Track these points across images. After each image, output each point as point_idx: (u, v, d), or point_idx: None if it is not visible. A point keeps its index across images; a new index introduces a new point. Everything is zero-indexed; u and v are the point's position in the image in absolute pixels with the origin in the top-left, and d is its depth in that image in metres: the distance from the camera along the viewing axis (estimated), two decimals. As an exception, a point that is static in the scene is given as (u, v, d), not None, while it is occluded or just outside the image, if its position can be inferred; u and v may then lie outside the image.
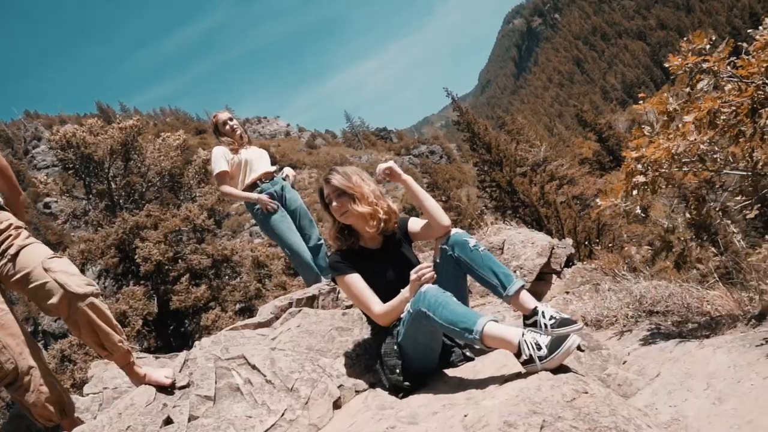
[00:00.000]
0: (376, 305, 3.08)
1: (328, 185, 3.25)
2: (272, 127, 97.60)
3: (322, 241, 5.64)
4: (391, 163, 3.25)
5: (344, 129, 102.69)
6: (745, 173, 3.06)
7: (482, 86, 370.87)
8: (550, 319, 2.85)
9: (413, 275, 2.84)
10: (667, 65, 3.11)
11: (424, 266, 2.85)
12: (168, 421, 2.89)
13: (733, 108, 2.84)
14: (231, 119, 5.67)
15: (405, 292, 2.92)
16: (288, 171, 5.80)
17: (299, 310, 4.05)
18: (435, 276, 2.83)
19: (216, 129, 5.67)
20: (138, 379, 3.18)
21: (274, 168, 5.65)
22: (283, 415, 2.89)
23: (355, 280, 3.14)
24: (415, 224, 3.37)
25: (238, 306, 12.81)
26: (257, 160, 5.53)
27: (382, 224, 3.26)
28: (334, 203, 3.21)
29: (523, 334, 2.51)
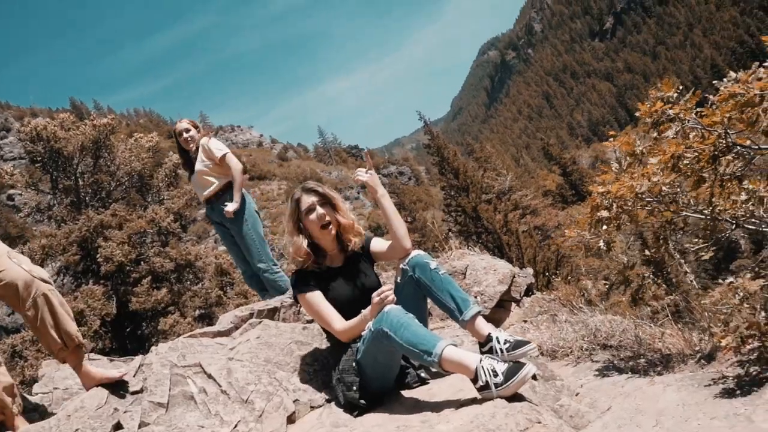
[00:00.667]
0: (338, 322, 3.05)
1: (312, 194, 3.21)
2: (245, 137, 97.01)
3: (261, 269, 5.32)
4: (373, 176, 3.24)
5: (316, 143, 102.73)
6: (703, 217, 3.12)
7: (454, 113, 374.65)
8: (504, 343, 2.84)
9: (375, 298, 2.82)
10: (637, 114, 3.16)
11: (386, 289, 2.83)
12: (118, 426, 2.80)
13: (696, 154, 2.90)
14: (187, 130, 5.41)
15: (366, 312, 2.90)
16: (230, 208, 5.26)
17: (260, 322, 3.98)
18: (395, 299, 2.82)
19: (176, 139, 5.49)
20: (89, 380, 3.07)
21: (214, 184, 5.28)
22: (236, 427, 2.83)
23: (316, 297, 3.11)
24: (377, 244, 3.35)
25: (197, 312, 12.60)
26: (196, 181, 5.35)
27: (354, 240, 3.24)
28: (319, 211, 3.16)
29: (480, 360, 2.52)
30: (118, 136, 14.40)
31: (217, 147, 5.30)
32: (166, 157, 15.38)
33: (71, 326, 2.95)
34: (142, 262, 12.44)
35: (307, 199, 3.20)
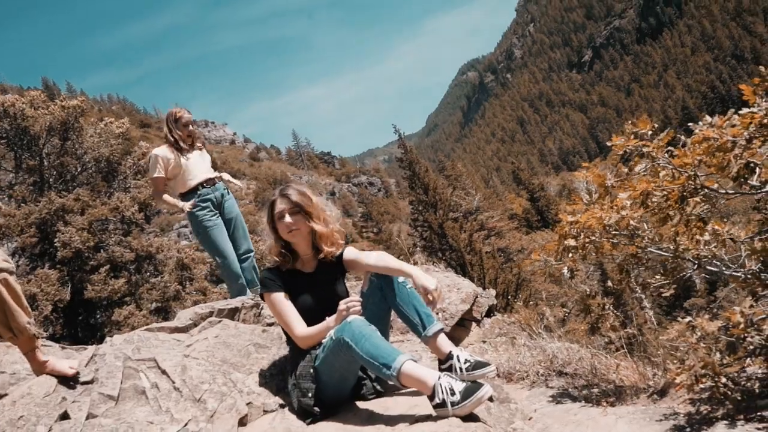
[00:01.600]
0: (299, 327, 3.02)
1: (285, 200, 3.18)
2: (218, 133, 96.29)
3: (251, 254, 5.55)
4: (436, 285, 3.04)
5: (289, 147, 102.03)
6: (667, 254, 3.18)
7: (429, 129, 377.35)
8: (465, 363, 2.85)
9: (342, 305, 2.81)
10: (609, 143, 3.21)
11: (354, 299, 2.84)
12: (65, 416, 2.73)
13: (665, 193, 2.96)
14: (194, 123, 5.52)
15: (330, 321, 2.89)
16: (226, 176, 5.67)
17: (219, 321, 3.93)
18: (362, 311, 2.81)
19: (173, 123, 5.39)
20: (39, 368, 2.99)
21: (215, 174, 5.51)
22: (186, 425, 2.77)
23: (282, 299, 3.09)
24: (352, 255, 3.33)
25: (154, 305, 12.36)
26: (200, 165, 5.39)
27: (326, 250, 3.23)
28: (287, 219, 3.14)
29: (439, 378, 2.52)
30: (88, 120, 14.07)
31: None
32: (135, 145, 15.11)
33: (22, 318, 2.83)
34: (101, 250, 12.17)
35: (279, 205, 3.19)
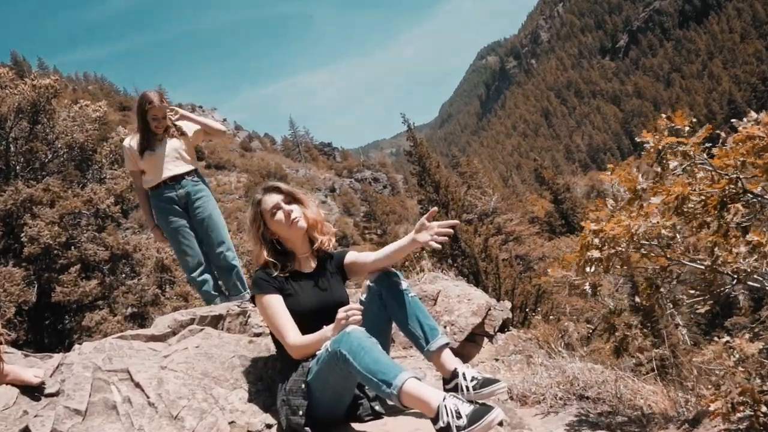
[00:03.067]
0: (293, 334, 3.05)
1: (275, 192, 3.27)
2: (206, 121, 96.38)
3: (231, 257, 5.46)
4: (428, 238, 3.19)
5: (285, 136, 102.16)
6: (702, 267, 3.18)
7: (442, 120, 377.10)
8: (471, 381, 2.87)
9: (341, 313, 2.83)
10: (639, 140, 3.22)
11: (354, 307, 2.85)
12: (25, 431, 2.75)
13: (703, 198, 2.96)
14: (163, 108, 5.32)
15: (327, 330, 2.90)
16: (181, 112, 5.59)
17: (201, 329, 3.95)
18: (362, 320, 2.83)
19: (143, 111, 5.27)
20: (0, 377, 3.02)
21: (187, 168, 5.40)
22: (161, 445, 2.80)
23: (276, 302, 3.12)
24: (352, 257, 3.39)
25: (129, 310, 12.41)
26: (166, 159, 5.32)
27: (322, 239, 3.30)
28: (286, 208, 3.20)
29: (444, 399, 2.51)
30: (62, 101, 14.11)
31: (192, 126, 5.60)
32: (113, 131, 15.13)
33: None
34: (72, 247, 12.21)
35: (270, 200, 3.23)
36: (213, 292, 5.35)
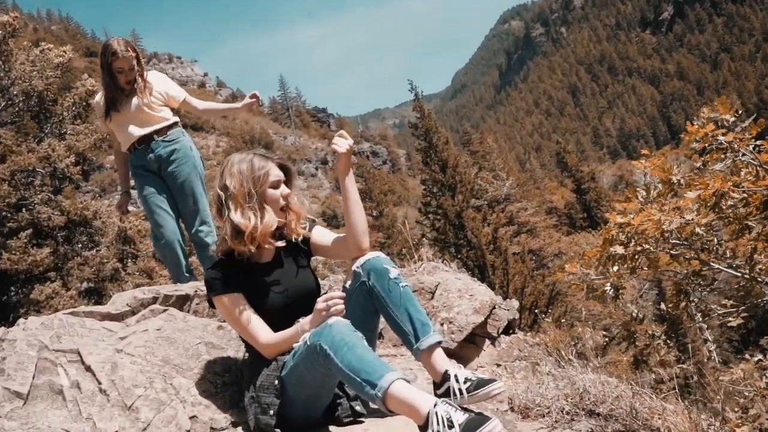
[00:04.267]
0: (264, 334, 3.01)
1: (283, 169, 3.24)
2: (185, 72, 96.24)
3: (209, 231, 5.41)
4: (351, 142, 3.21)
5: (274, 97, 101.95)
6: (739, 274, 3.18)
7: (455, 90, 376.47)
8: (465, 382, 2.85)
9: (320, 304, 2.81)
10: (684, 136, 3.21)
11: (335, 295, 2.83)
12: (-43, 413, 2.76)
13: (745, 195, 2.95)
14: (130, 58, 5.11)
15: (305, 323, 2.88)
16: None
17: (164, 310, 3.95)
18: (344, 310, 2.83)
19: (106, 62, 5.11)
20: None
21: (154, 127, 5.28)
22: (111, 437, 2.80)
23: (238, 301, 3.06)
24: (320, 235, 3.35)
25: (85, 285, 12.41)
26: (133, 120, 5.24)
27: (298, 231, 3.27)
28: (285, 190, 3.19)
29: (435, 405, 2.48)
30: (20, 42, 14.01)
31: (174, 87, 5.51)
32: (78, 80, 15.05)
33: None
34: (23, 209, 12.18)
35: (276, 171, 3.19)
36: (185, 273, 5.32)
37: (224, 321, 4.11)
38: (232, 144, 57.60)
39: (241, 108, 5.58)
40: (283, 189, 3.18)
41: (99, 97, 5.36)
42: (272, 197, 3.15)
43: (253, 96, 5.44)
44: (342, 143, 3.16)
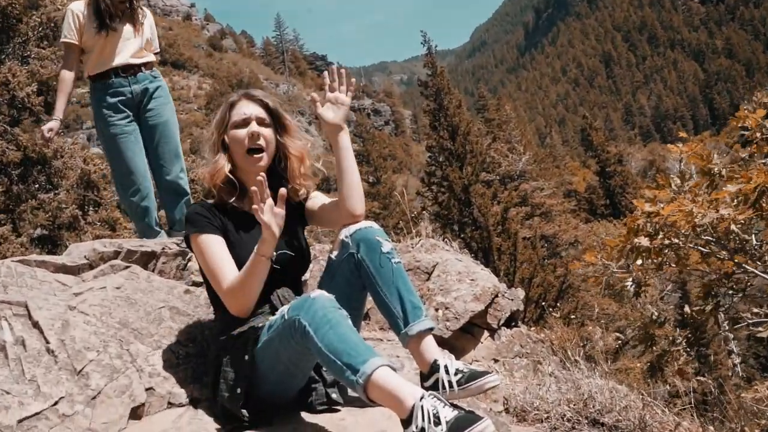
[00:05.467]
0: (229, 279, 2.98)
1: (256, 103, 3.19)
2: (169, 1, 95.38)
3: (183, 182, 5.42)
4: (347, 105, 3.19)
5: (268, 38, 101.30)
6: (775, 281, 3.19)
7: (474, 47, 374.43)
8: (456, 374, 2.84)
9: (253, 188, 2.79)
10: (732, 121, 3.19)
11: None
12: None
13: (790, 192, 2.95)
14: None
15: (259, 244, 2.85)
16: None
17: (126, 266, 3.94)
18: (286, 194, 2.84)
19: None
20: None
21: (145, 59, 5.36)
22: (56, 404, 2.79)
23: (215, 243, 3.04)
24: (315, 199, 3.35)
25: (38, 231, 12.41)
26: (125, 43, 5.23)
27: (304, 185, 3.27)
28: (253, 128, 3.12)
29: (422, 397, 2.45)
30: (-18, -53, 13.91)
31: (156, 39, 5.61)
32: (47, -2, 14.94)
33: None
34: (-25, 142, 12.17)
35: (245, 108, 3.16)
36: (155, 227, 5.31)
37: (192, 284, 4.12)
38: (216, 87, 57.19)
39: None
40: (253, 127, 3.12)
41: (80, 6, 5.26)
42: (234, 137, 3.14)
43: None
44: (336, 95, 3.15)
